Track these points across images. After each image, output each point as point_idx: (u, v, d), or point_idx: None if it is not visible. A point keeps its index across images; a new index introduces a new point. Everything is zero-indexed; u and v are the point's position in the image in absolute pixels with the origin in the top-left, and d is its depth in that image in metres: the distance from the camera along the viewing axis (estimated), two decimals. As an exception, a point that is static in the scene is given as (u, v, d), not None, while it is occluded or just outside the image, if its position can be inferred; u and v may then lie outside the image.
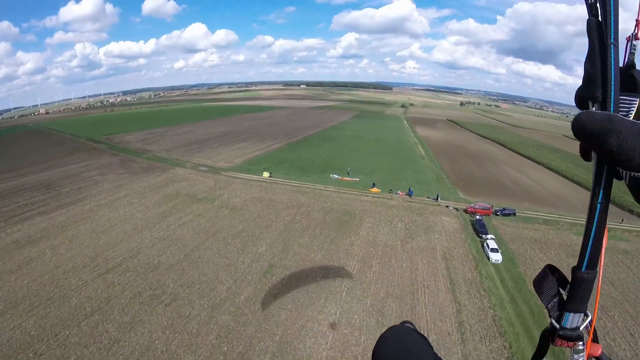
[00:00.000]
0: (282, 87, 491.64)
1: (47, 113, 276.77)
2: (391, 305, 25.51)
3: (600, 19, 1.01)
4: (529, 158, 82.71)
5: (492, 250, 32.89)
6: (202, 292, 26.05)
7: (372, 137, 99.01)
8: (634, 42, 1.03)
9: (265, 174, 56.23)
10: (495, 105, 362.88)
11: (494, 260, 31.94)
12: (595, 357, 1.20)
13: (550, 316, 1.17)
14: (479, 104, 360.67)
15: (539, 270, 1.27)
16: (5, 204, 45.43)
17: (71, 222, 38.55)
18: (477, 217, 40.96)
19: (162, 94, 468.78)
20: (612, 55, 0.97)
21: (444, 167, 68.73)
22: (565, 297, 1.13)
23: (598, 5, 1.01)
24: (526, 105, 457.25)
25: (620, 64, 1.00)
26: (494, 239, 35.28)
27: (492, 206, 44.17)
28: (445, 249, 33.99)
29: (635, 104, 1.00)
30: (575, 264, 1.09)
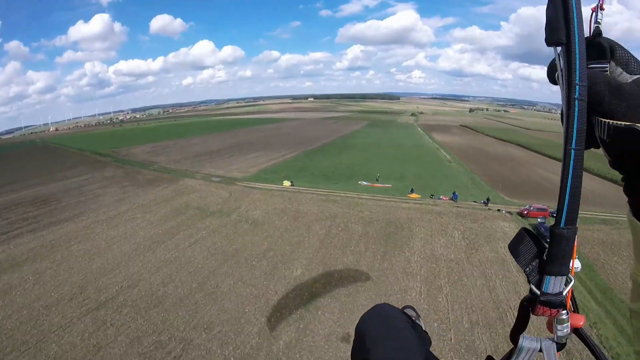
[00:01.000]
0: (290, 101, 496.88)
1: (57, 130, 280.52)
2: (481, 338, 18.41)
3: None
4: (554, 158, 75.42)
5: None
6: (224, 337, 18.83)
7: (390, 144, 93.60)
8: (599, 12, 0.96)
9: (286, 183, 50.40)
10: (504, 111, 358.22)
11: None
12: (576, 329, 1.02)
13: (529, 281, 0.99)
14: (487, 109, 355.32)
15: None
16: (-6, 220, 39.85)
17: (63, 241, 32.59)
18: (539, 220, 35.90)
19: (170, 111, 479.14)
20: None
21: (474, 170, 62.56)
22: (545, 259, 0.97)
23: None
24: (534, 109, 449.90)
25: (587, 35, 0.95)
26: None
27: (548, 207, 38.63)
28: (517, 259, 27.72)
29: (606, 69, 0.94)
30: None
